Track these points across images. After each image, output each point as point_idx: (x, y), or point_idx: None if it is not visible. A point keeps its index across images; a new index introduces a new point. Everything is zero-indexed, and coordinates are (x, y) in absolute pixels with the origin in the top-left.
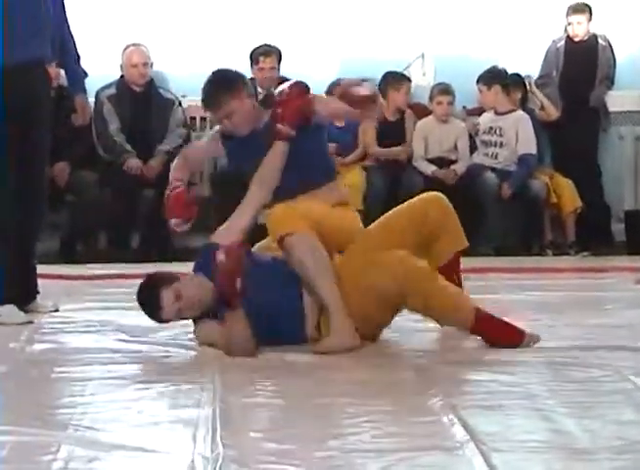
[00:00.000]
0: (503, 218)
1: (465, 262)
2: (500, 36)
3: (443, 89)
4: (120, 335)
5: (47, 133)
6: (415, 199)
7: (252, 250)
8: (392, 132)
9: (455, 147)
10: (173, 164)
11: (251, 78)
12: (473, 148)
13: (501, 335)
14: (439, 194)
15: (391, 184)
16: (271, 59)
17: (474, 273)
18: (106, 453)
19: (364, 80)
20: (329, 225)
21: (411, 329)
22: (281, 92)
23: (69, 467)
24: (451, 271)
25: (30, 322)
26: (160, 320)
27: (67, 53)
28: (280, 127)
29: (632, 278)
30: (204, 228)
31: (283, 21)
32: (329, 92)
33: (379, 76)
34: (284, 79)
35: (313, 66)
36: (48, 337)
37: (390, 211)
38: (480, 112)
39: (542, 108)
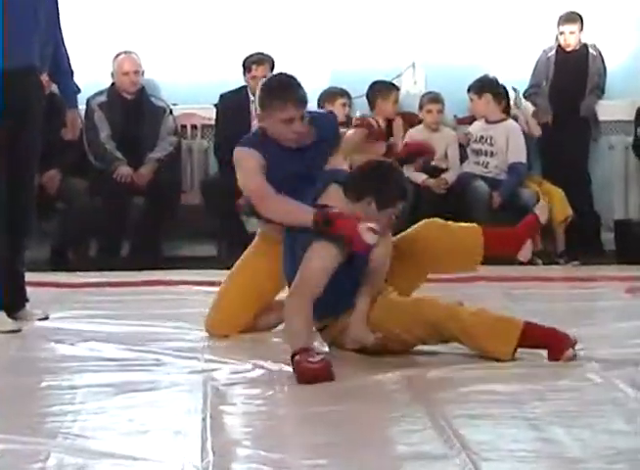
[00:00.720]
0: (493, 227)
1: None
2: (491, 46)
3: (433, 98)
4: (110, 343)
5: (38, 139)
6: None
7: None
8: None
9: (446, 155)
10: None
11: (244, 86)
12: (463, 157)
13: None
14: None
15: None
16: (264, 67)
17: (462, 282)
18: (95, 461)
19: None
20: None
21: None
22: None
23: None
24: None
25: (19, 330)
26: None
27: (60, 67)
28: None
29: (622, 288)
30: (193, 235)
31: (274, 30)
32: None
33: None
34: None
35: (305, 75)
36: (37, 345)
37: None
38: (470, 120)
39: (527, 124)
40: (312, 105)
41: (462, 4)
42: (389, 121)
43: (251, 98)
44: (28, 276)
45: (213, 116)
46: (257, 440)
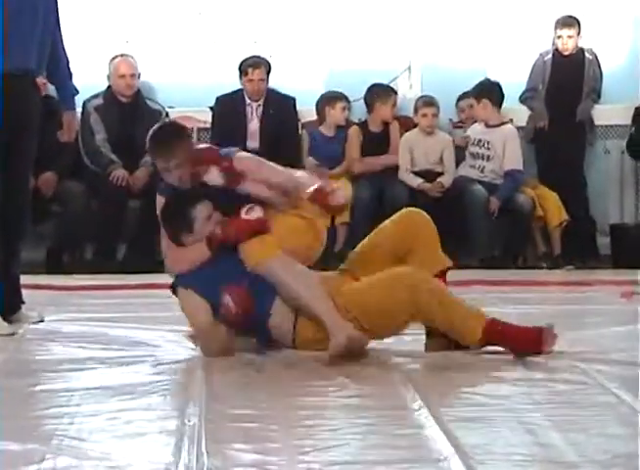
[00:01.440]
0: (489, 231)
1: (450, 275)
2: (487, 49)
3: (428, 101)
4: (106, 346)
5: (34, 142)
6: (398, 221)
7: None
8: (377, 144)
9: (441, 159)
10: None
11: (240, 89)
12: (458, 160)
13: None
14: (421, 214)
15: (378, 197)
16: (260, 70)
17: (459, 286)
18: (91, 464)
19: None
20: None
21: (398, 339)
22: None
23: None
24: None
25: (15, 333)
26: None
27: (59, 69)
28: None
29: (617, 292)
30: None
31: (271, 32)
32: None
33: (365, 88)
34: (272, 90)
35: (301, 77)
36: (33, 347)
37: (373, 236)
38: (461, 125)
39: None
40: (311, 108)
41: (459, 8)
42: (386, 125)
43: (247, 101)
44: (24, 279)
45: (209, 119)
46: (253, 442)
